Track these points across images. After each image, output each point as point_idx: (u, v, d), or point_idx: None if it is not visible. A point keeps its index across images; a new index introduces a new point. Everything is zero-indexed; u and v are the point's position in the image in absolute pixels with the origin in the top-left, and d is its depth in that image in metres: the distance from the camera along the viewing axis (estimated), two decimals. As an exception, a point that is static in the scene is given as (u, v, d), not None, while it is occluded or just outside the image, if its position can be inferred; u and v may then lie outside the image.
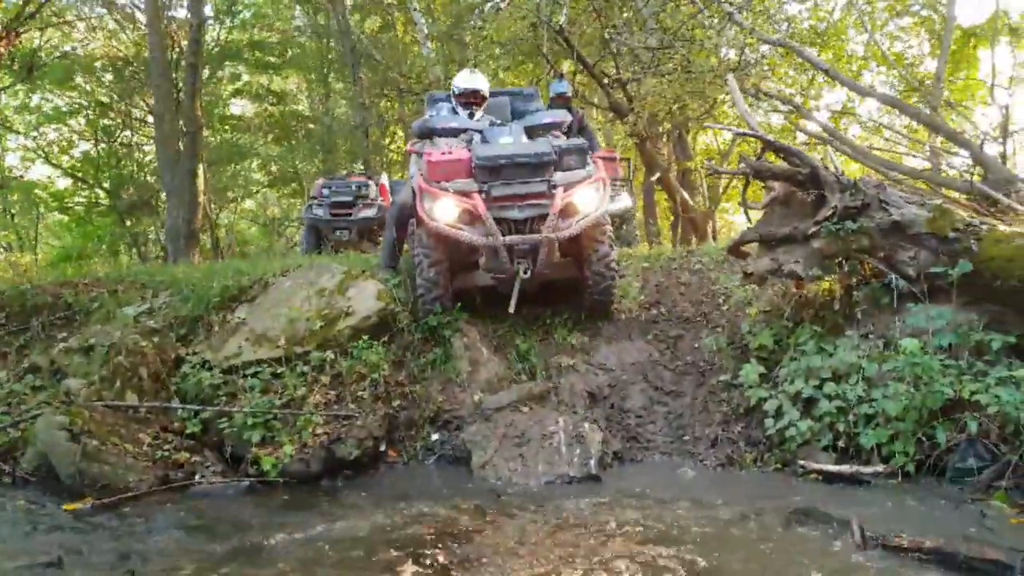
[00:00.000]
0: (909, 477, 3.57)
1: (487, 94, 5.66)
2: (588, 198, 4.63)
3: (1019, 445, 3.33)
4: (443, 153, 4.70)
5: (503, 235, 4.49)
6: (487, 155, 4.54)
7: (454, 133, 5.12)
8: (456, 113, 5.55)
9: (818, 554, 2.64)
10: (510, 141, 4.87)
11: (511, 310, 4.71)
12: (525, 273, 4.57)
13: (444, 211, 4.52)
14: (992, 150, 8.08)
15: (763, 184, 4.89)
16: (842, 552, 2.63)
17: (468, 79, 5.67)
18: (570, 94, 7.95)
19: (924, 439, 3.63)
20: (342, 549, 2.90)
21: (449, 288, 4.92)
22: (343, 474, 4.22)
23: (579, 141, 4.89)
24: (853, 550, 2.63)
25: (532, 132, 5.06)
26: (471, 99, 5.57)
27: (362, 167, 14.16)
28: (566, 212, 4.54)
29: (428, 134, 5.15)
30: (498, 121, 5.45)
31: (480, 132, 5.07)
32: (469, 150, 4.76)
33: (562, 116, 5.28)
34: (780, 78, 10.45)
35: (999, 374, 3.55)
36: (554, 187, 4.53)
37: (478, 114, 5.53)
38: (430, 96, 6.40)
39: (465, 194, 4.50)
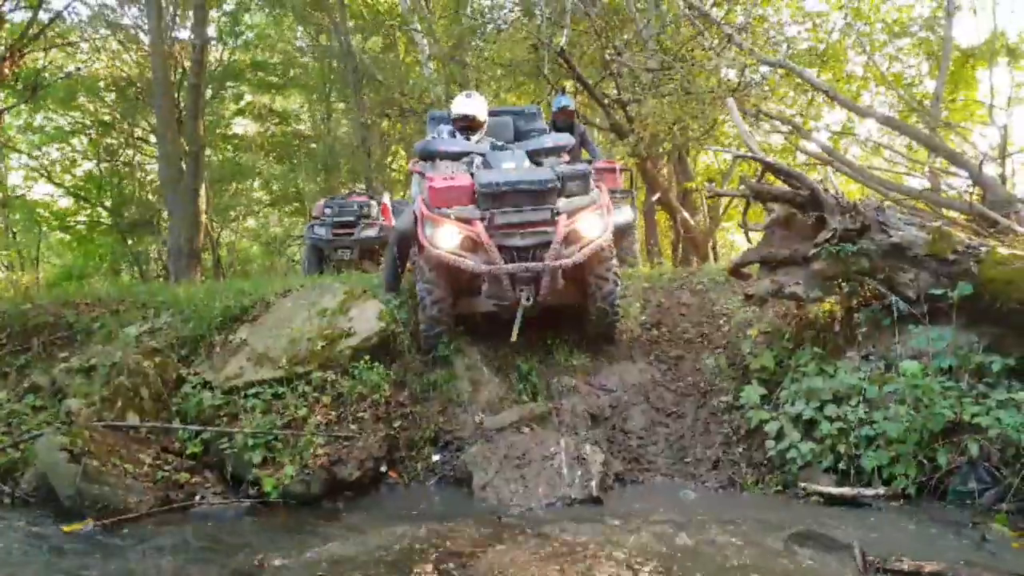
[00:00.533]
0: (910, 499, 3.56)
1: (484, 119, 5.61)
2: (592, 225, 4.60)
3: (1020, 468, 3.32)
4: (445, 179, 4.68)
5: (505, 263, 4.46)
6: (489, 181, 4.50)
7: (456, 156, 5.11)
8: (455, 135, 5.55)
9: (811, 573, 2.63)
10: (512, 166, 4.85)
11: (513, 338, 4.69)
12: (527, 301, 4.55)
13: (446, 238, 4.50)
14: (991, 171, 8.14)
15: (763, 205, 4.92)
16: (843, 574, 2.62)
17: (463, 104, 5.58)
18: (573, 108, 8.01)
19: (925, 461, 3.62)
20: (343, 570, 2.89)
21: (451, 323, 4.92)
22: (344, 495, 4.20)
23: (582, 166, 4.85)
24: (854, 573, 2.62)
25: (535, 155, 5.06)
26: (467, 124, 5.53)
27: (364, 187, 14.21)
28: (569, 239, 4.51)
29: (430, 156, 5.13)
30: (499, 143, 5.46)
31: (482, 155, 5.07)
32: (471, 175, 4.73)
33: (565, 140, 5.28)
34: (780, 98, 10.53)
35: (1000, 396, 3.56)
36: (557, 214, 4.50)
37: (476, 137, 5.50)
38: (431, 115, 6.38)
39: (467, 221, 4.48)
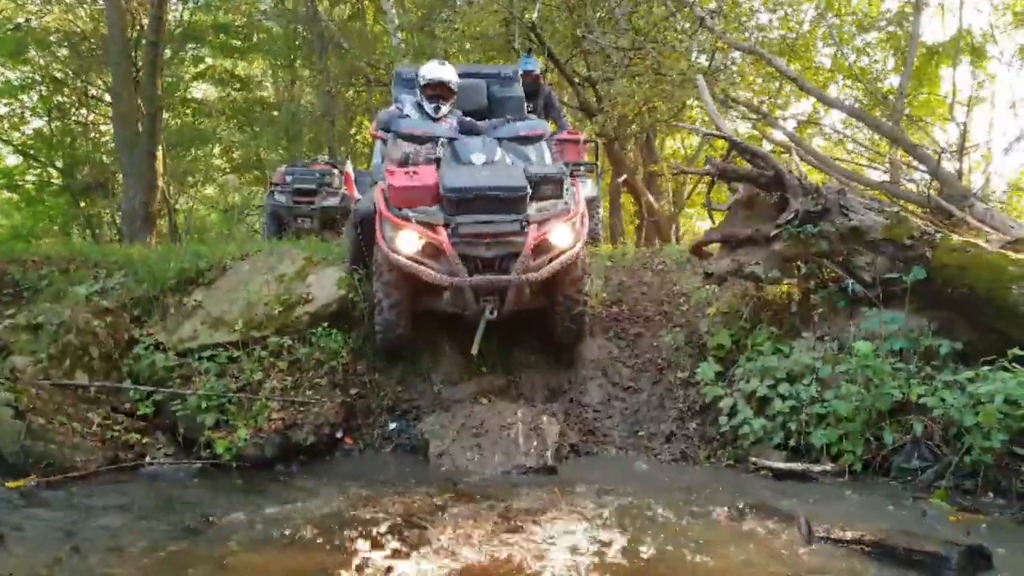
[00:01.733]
0: (856, 475, 3.66)
1: (455, 87, 5.17)
2: (564, 235, 4.25)
3: (960, 448, 3.43)
4: (407, 174, 4.27)
5: (469, 273, 4.13)
6: (455, 186, 4.12)
7: (420, 140, 4.74)
8: (421, 106, 5.15)
9: (764, 546, 2.70)
10: (483, 158, 4.50)
11: (474, 351, 4.41)
12: (491, 314, 4.28)
13: (406, 243, 4.15)
14: (949, 166, 8.34)
15: (728, 186, 4.97)
16: (788, 544, 2.69)
17: (435, 70, 5.14)
18: (538, 72, 7.71)
19: (872, 439, 3.72)
20: (294, 530, 2.87)
21: (409, 326, 4.55)
22: (298, 459, 4.17)
23: (556, 168, 4.50)
24: (799, 543, 2.69)
25: (508, 143, 4.76)
26: (437, 91, 5.11)
27: (327, 156, 13.97)
28: (539, 249, 4.19)
29: (392, 131, 4.85)
30: (468, 121, 5.11)
31: (450, 141, 4.69)
32: (436, 169, 4.39)
33: (541, 128, 5.01)
34: (749, 85, 10.62)
35: (946, 378, 3.67)
36: (527, 224, 4.15)
37: (445, 108, 5.12)
38: (398, 73, 5.95)
39: (429, 226, 4.11)
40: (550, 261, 4.22)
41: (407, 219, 4.13)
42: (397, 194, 4.21)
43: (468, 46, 11.80)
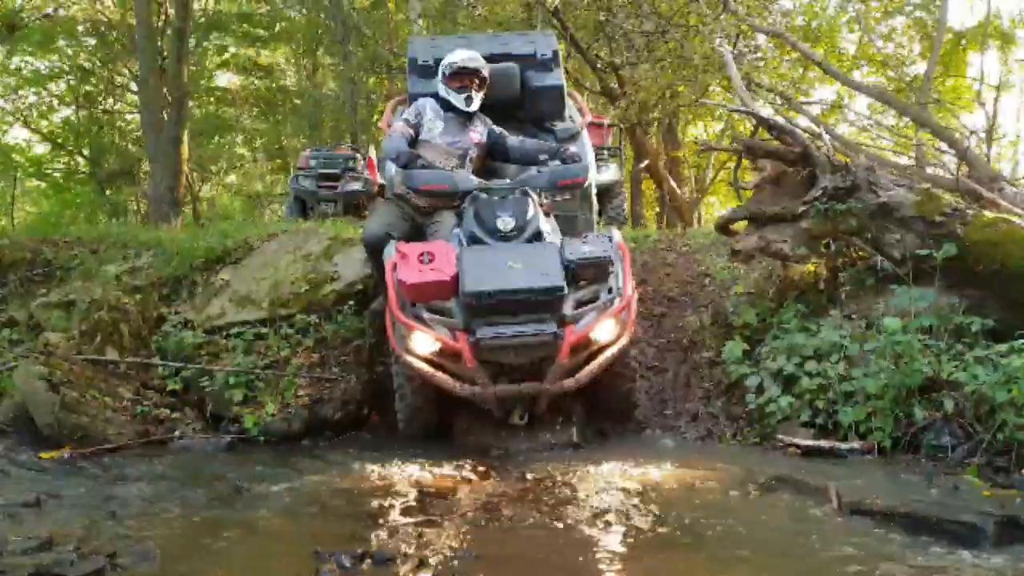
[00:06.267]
0: (884, 453, 3.62)
1: (487, 74, 4.34)
2: (607, 331, 3.62)
3: (993, 424, 3.39)
4: (420, 260, 3.53)
5: (495, 378, 3.59)
6: (475, 291, 3.40)
7: (443, 197, 4.02)
8: (449, 104, 4.31)
9: (795, 516, 2.68)
10: (510, 225, 3.70)
11: (514, 421, 3.90)
12: (520, 419, 3.85)
13: (420, 346, 3.57)
14: (977, 152, 8.21)
15: (754, 164, 4.93)
16: (819, 515, 2.67)
17: (464, 57, 4.28)
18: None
19: (901, 417, 3.68)
20: (323, 499, 2.91)
21: (435, 411, 4.06)
22: (325, 435, 4.22)
23: (602, 248, 3.66)
24: (830, 513, 2.67)
25: (547, 189, 3.97)
26: (467, 82, 4.27)
27: (350, 143, 14.05)
28: (578, 347, 3.58)
29: (408, 186, 4.03)
30: (498, 133, 4.38)
31: (474, 198, 3.87)
32: (456, 242, 3.74)
33: (587, 172, 4.16)
34: (774, 68, 10.51)
35: (977, 354, 3.62)
36: (563, 324, 3.49)
37: (478, 99, 4.31)
38: (411, 60, 4.87)
39: (447, 328, 3.52)
40: (589, 358, 3.63)
41: (421, 318, 3.54)
42: (407, 291, 3.53)
43: (491, 32, 11.75)
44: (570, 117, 4.93)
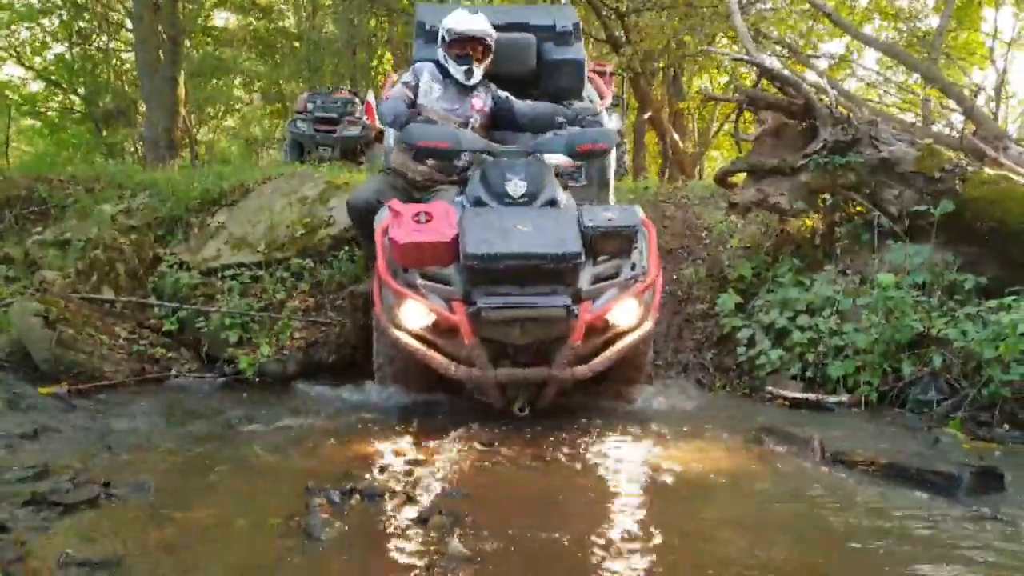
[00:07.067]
0: (871, 407, 3.68)
1: (492, 42, 3.89)
2: (628, 312, 3.18)
3: (979, 380, 3.43)
4: (416, 219, 3.09)
5: (496, 361, 3.12)
6: (480, 252, 2.95)
7: (441, 155, 3.57)
8: (446, 70, 3.91)
9: (777, 465, 2.73)
10: (521, 189, 3.28)
11: (516, 409, 3.30)
12: (522, 411, 3.27)
13: (411, 318, 3.13)
14: (985, 110, 8.11)
15: (756, 116, 4.87)
16: (801, 464, 2.72)
17: (465, 20, 3.85)
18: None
19: (889, 371, 3.72)
20: (315, 439, 2.95)
21: (420, 380, 3.53)
22: (319, 377, 4.25)
23: (627, 215, 3.19)
24: (812, 463, 2.72)
25: (569, 151, 3.47)
26: (468, 49, 3.86)
27: (349, 87, 13.83)
28: (593, 330, 3.13)
29: (406, 142, 3.55)
30: (504, 98, 3.96)
31: (484, 155, 3.50)
32: (459, 206, 3.30)
33: (613, 137, 3.67)
34: (781, 19, 10.30)
35: (968, 311, 3.64)
36: (579, 300, 3.05)
37: (478, 71, 3.88)
38: (419, 23, 4.50)
39: (444, 298, 3.08)
40: (605, 345, 3.19)
41: (413, 286, 3.11)
42: (400, 252, 3.07)
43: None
44: (588, 98, 4.52)
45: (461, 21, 3.85)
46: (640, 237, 3.26)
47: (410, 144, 3.49)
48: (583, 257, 3.03)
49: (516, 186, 3.28)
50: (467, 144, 3.48)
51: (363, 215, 3.75)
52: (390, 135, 4.10)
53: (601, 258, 3.17)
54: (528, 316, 3.00)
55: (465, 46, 3.85)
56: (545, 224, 3.10)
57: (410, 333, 3.15)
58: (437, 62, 3.97)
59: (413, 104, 3.88)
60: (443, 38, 3.89)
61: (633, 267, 3.22)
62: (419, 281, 3.10)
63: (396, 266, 3.16)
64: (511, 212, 3.18)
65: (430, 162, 3.71)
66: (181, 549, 1.84)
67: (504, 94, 3.99)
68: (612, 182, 4.44)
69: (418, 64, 4.05)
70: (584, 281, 3.09)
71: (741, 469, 2.69)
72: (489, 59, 3.92)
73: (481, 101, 3.94)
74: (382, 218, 3.33)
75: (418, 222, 3.07)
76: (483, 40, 3.86)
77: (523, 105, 3.96)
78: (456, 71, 3.87)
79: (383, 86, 4.83)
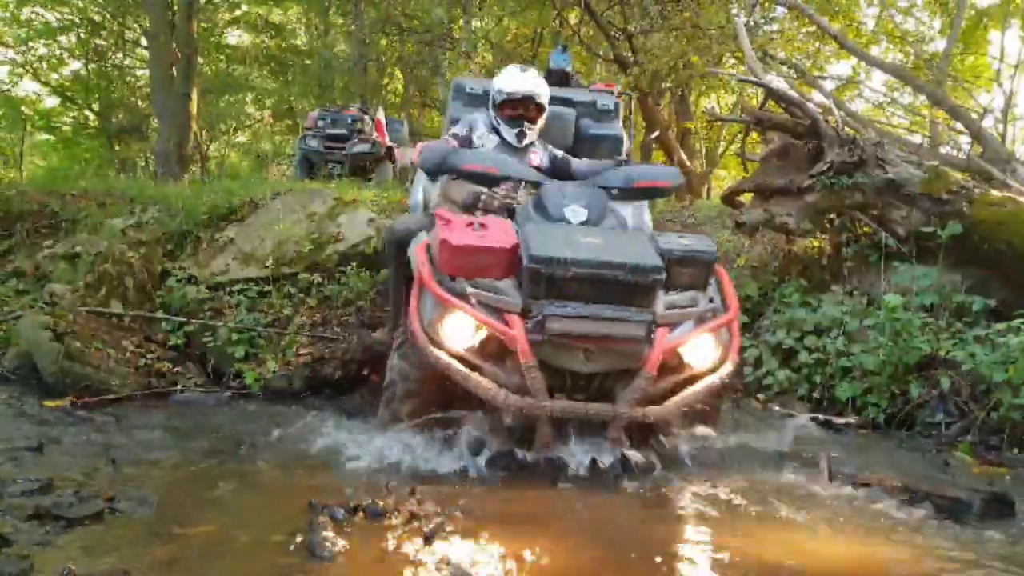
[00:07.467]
0: (879, 429, 3.66)
1: (545, 100, 3.61)
2: (705, 351, 2.77)
3: (987, 403, 3.40)
4: (468, 225, 2.76)
5: (551, 392, 2.62)
6: (547, 255, 2.60)
7: (490, 180, 3.20)
8: (497, 130, 3.62)
9: (785, 485, 2.71)
10: (582, 216, 2.97)
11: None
12: (580, 470, 2.67)
13: (456, 334, 2.67)
14: (993, 132, 8.11)
15: (762, 136, 4.88)
16: (808, 485, 2.70)
17: (519, 80, 3.57)
18: (569, 69, 6.62)
19: (897, 393, 3.70)
20: (319, 455, 2.94)
21: (434, 423, 2.91)
22: (324, 393, 4.26)
23: (705, 243, 2.90)
24: (820, 484, 2.69)
25: (620, 194, 3.21)
26: (521, 110, 3.56)
27: (359, 105, 13.96)
28: (665, 367, 2.69)
29: (448, 170, 3.23)
30: (563, 155, 3.67)
31: (534, 186, 3.23)
32: (515, 226, 2.87)
33: (675, 177, 3.34)
34: (788, 40, 10.35)
35: (977, 333, 3.62)
36: (654, 326, 2.66)
37: (531, 134, 3.61)
38: (457, 86, 4.27)
39: (497, 311, 2.65)
40: (676, 387, 2.73)
41: (462, 296, 2.67)
42: (452, 255, 2.70)
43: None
44: None
45: (512, 81, 3.58)
46: (715, 277, 2.94)
47: (456, 169, 3.17)
48: (663, 274, 2.69)
49: (576, 212, 2.97)
50: (516, 172, 3.19)
51: (403, 242, 3.34)
52: (419, 183, 3.86)
53: (674, 286, 2.79)
54: (601, 332, 2.59)
55: (517, 106, 3.57)
56: (618, 240, 2.82)
57: (451, 354, 2.65)
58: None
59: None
60: (494, 100, 3.62)
61: (711, 300, 2.86)
62: (469, 290, 2.66)
63: (441, 276, 2.74)
64: (577, 229, 2.87)
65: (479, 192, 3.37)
66: (184, 564, 1.84)
67: (560, 152, 3.71)
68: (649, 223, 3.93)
69: (472, 115, 3.77)
70: (659, 307, 2.71)
71: (745, 488, 2.67)
72: (544, 118, 3.64)
73: (539, 158, 3.61)
74: (419, 242, 3.00)
75: (472, 229, 2.74)
76: (535, 99, 3.57)
77: (580, 163, 3.66)
78: (507, 134, 3.58)
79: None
